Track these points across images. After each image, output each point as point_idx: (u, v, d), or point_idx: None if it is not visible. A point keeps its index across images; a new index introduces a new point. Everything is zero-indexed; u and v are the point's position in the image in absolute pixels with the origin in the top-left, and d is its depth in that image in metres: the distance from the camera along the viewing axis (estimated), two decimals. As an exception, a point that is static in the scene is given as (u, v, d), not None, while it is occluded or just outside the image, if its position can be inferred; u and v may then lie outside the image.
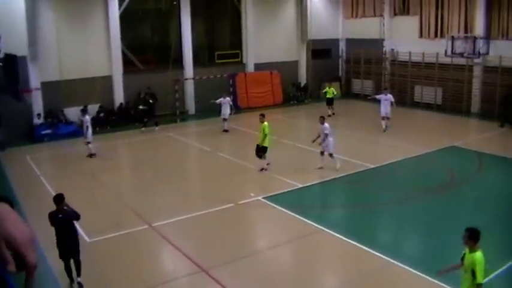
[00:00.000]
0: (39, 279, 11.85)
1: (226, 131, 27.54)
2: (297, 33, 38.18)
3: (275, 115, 32.08)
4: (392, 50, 36.57)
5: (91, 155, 22.36)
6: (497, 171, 20.46)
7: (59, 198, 11.23)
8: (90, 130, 22.30)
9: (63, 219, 11.13)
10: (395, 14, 36.63)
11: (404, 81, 35.79)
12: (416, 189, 17.59)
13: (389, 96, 26.38)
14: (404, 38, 35.41)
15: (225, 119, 27.69)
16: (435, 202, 16.44)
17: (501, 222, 14.93)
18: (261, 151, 19.60)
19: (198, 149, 24.95)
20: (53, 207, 11.25)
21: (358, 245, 13.15)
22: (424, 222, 15.07)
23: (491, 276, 11.40)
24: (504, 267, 11.81)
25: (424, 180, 18.97)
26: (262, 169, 19.65)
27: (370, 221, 15.38)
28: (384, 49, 36.94)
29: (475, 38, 30.49)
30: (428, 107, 33.22)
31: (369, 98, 26.25)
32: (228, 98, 28.47)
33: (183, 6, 32.34)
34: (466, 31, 31.65)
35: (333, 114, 30.46)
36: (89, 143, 22.42)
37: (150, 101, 28.29)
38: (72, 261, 11.43)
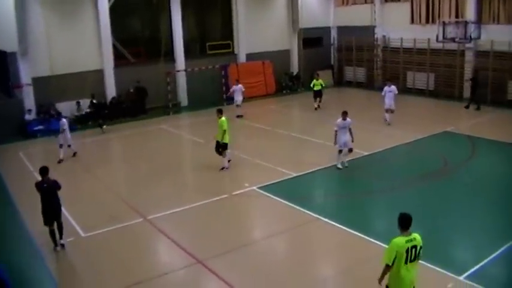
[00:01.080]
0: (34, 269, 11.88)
1: (240, 116, 28.19)
2: (288, 22, 38.05)
3: (268, 105, 32.09)
4: (384, 36, 36.54)
5: (74, 154, 22.01)
6: (490, 155, 20.47)
7: (43, 170, 12.93)
8: (68, 133, 21.57)
9: (47, 188, 12.79)
10: (386, 1, 36.54)
11: (396, 68, 35.77)
12: (410, 176, 17.60)
13: (393, 88, 25.55)
14: (396, 25, 35.38)
15: (238, 105, 28.57)
16: (429, 188, 16.46)
17: (495, 206, 14.96)
18: (221, 147, 19.09)
19: (191, 141, 24.90)
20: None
21: (354, 232, 13.18)
22: (418, 209, 15.00)
23: (486, 260, 11.47)
24: (499, 251, 11.84)
25: (418, 166, 18.96)
26: (222, 168, 19.16)
27: (365, 209, 15.38)
28: (376, 36, 36.92)
29: (466, 23, 30.43)
30: (420, 93, 33.24)
31: (383, 94, 25.27)
32: (240, 85, 29.10)
33: (173, -1, 32.20)
34: (457, 16, 31.63)
35: (319, 107, 29.96)
36: (69, 146, 21.64)
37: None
38: (55, 225, 12.97)
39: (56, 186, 12.97)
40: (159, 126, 26.96)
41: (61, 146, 21.15)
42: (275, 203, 15.64)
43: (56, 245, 12.98)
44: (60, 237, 13.08)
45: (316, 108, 29.53)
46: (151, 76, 30.59)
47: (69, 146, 21.55)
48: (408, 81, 35.00)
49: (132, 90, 29.87)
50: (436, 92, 32.90)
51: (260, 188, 16.78)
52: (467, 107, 28.84)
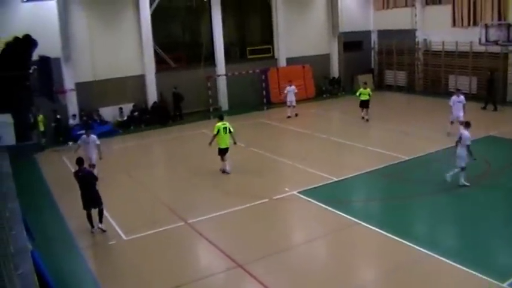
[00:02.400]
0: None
1: (290, 117, 28.50)
2: (327, 26, 37.93)
3: (308, 109, 32.00)
4: (425, 40, 36.08)
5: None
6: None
7: (79, 161, 14.37)
8: (95, 152, 18.88)
9: (83, 177, 14.21)
10: (427, 4, 36.12)
11: (438, 71, 35.27)
12: (453, 180, 17.30)
13: (462, 98, 23.16)
14: (437, 28, 34.86)
15: (292, 106, 28.90)
16: (471, 193, 16.16)
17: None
18: (219, 153, 19.37)
19: (231, 145, 24.96)
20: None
21: (394, 237, 13.04)
22: (459, 214, 14.85)
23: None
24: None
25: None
26: (223, 171, 19.48)
27: (406, 213, 15.20)
28: (417, 39, 36.47)
29: (509, 25, 29.84)
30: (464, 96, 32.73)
31: (451, 104, 23.32)
32: (293, 86, 29.32)
33: (213, 3, 32.44)
34: (499, 18, 31.04)
35: (366, 120, 27.26)
36: (93, 165, 16.63)
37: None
38: (97, 210, 14.33)
39: (91, 176, 14.44)
40: (200, 130, 27.14)
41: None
42: (315, 208, 15.60)
43: (92, 226, 14.40)
44: (100, 222, 14.44)
45: (363, 118, 27.37)
46: (192, 81, 30.97)
47: (92, 165, 16.44)
48: (450, 84, 34.43)
49: (160, 98, 30.28)
50: (479, 96, 32.28)
51: (300, 192, 16.76)
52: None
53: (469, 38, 32.05)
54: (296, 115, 29.12)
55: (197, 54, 32.35)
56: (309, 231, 14.32)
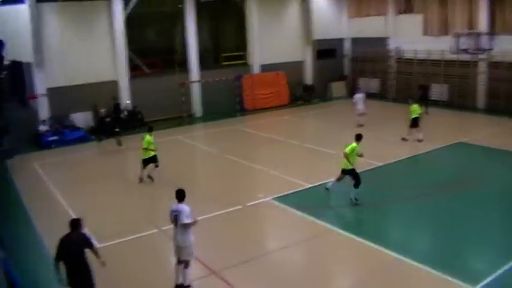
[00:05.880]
0: None
1: (360, 125, 26.77)
2: (301, 34, 38.14)
3: (282, 116, 32.12)
4: (398, 48, 36.49)
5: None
6: (506, 165, 20.30)
7: (74, 224, 9.85)
8: None
9: (73, 246, 9.62)
10: (399, 13, 36.57)
11: (410, 79, 35.71)
12: (425, 186, 17.47)
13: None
14: (409, 36, 35.38)
15: (361, 114, 27.87)
16: (444, 198, 16.34)
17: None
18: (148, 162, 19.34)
19: (205, 152, 24.96)
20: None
21: (368, 243, 13.12)
22: (432, 219, 14.97)
23: (501, 271, 11.38)
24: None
25: (432, 176, 18.86)
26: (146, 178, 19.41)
27: (380, 219, 15.30)
28: (389, 47, 36.90)
29: (479, 34, 30.41)
30: (435, 103, 33.09)
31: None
32: (361, 94, 28.62)
33: (188, 9, 32.41)
34: (470, 27, 31.60)
35: (421, 140, 23.71)
36: None
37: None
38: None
39: (84, 242, 9.91)
40: (175, 136, 26.99)
41: None
42: (289, 214, 15.62)
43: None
44: None
45: (404, 139, 24.19)
46: (166, 87, 30.78)
47: None
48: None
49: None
50: (451, 103, 32.75)
51: (274, 198, 16.76)
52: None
53: (440, 46, 32.57)
54: (361, 125, 26.63)
55: (172, 60, 32.26)
56: (284, 238, 14.30)
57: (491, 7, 30.99)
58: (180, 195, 11.67)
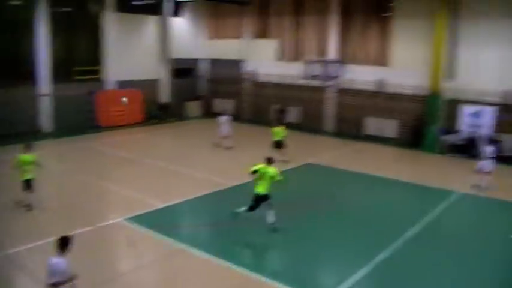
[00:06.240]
0: None
1: (229, 147, 26.66)
2: (159, 52, 37.96)
3: (135, 134, 31.65)
4: (252, 71, 37.56)
5: None
6: (348, 184, 21.52)
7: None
8: None
9: None
10: (255, 37, 37.71)
11: (263, 102, 36.88)
12: (275, 205, 17.84)
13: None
14: (264, 60, 36.66)
15: (224, 136, 27.50)
16: (296, 216, 16.89)
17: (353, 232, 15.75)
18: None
19: (53, 170, 23.80)
20: None
21: (222, 262, 13.20)
22: (283, 236, 15.35)
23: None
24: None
25: (280, 195, 19.19)
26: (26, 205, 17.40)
27: (235, 238, 15.38)
28: (245, 70, 37.90)
29: (328, 62, 32.41)
30: (288, 126, 34.21)
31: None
32: (227, 116, 28.07)
33: (40, 19, 30.87)
34: (321, 55, 33.49)
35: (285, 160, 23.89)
36: None
37: None
38: None
39: None
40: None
41: None
42: (142, 234, 15.28)
43: None
44: None
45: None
46: (12, 100, 29.07)
47: None
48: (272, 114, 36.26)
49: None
50: (303, 126, 34.29)
51: (126, 219, 16.35)
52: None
53: (293, 71, 34.19)
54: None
55: (21, 72, 30.57)
56: (136, 259, 13.96)
57: (340, 38, 33.12)
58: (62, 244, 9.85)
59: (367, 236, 15.68)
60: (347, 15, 32.88)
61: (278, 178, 15.50)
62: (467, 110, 28.62)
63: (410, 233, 15.93)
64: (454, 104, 28.92)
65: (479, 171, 21.01)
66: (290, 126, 32.85)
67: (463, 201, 20.03)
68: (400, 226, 16.40)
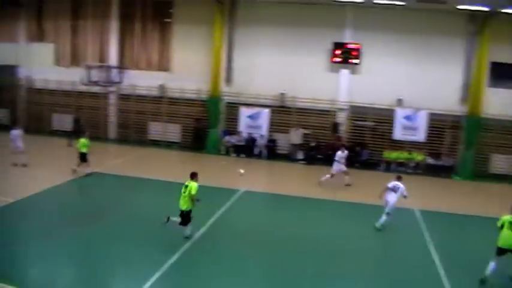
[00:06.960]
0: None
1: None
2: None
3: None
4: (28, 77, 35.50)
5: None
6: (137, 192, 21.38)
7: None
8: None
9: None
10: (31, 41, 35.64)
11: (41, 109, 35.09)
12: (62, 220, 17.00)
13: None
14: (41, 65, 34.87)
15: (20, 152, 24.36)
16: (82, 232, 16.10)
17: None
18: None
19: None
20: None
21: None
22: (76, 254, 14.56)
23: None
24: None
25: (67, 210, 18.43)
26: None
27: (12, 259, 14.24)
28: (20, 76, 35.69)
29: (109, 68, 31.89)
30: (63, 134, 32.93)
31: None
32: (19, 130, 25.39)
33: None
34: (101, 60, 32.85)
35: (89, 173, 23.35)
36: None
37: None
38: None
39: None
40: None
41: None
42: None
43: None
44: None
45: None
46: None
47: None
48: (54, 123, 34.82)
49: None
50: (78, 133, 33.08)
51: None
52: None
53: (72, 77, 32.88)
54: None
55: None
56: None
57: (121, 43, 32.86)
58: None
59: (157, 241, 15.55)
60: (127, 20, 32.83)
61: (193, 193, 15.23)
62: (245, 112, 30.29)
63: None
64: (234, 107, 30.41)
65: (337, 173, 23.63)
66: (68, 134, 31.73)
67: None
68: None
